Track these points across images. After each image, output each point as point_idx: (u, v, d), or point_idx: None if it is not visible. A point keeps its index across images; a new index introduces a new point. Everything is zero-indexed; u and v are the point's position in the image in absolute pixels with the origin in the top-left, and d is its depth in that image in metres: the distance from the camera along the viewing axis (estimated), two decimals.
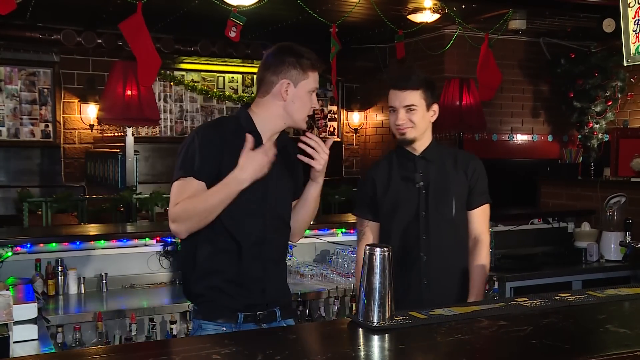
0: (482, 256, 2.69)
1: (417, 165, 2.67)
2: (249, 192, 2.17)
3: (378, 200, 2.71)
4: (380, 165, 2.78)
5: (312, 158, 2.24)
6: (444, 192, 2.65)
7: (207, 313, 2.24)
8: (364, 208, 2.77)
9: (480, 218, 2.72)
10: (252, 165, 2.09)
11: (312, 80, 2.26)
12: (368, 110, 9.11)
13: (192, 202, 2.12)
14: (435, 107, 2.67)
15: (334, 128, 9.41)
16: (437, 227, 2.63)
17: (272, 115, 2.26)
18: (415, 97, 2.60)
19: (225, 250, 2.21)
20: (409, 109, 2.60)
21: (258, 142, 2.22)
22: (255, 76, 8.61)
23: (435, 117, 2.68)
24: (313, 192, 2.34)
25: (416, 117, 2.61)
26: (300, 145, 2.26)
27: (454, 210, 2.64)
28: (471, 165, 2.70)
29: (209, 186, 2.14)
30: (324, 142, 2.27)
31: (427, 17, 6.17)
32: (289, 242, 2.47)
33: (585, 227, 4.83)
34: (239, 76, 8.79)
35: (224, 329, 2.21)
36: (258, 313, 2.25)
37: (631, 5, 2.84)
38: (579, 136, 7.20)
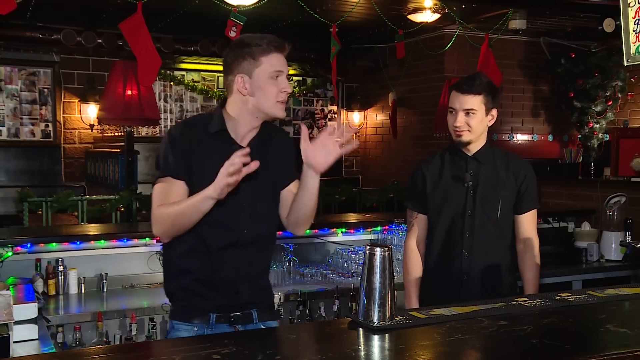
0: (535, 257, 2.78)
1: (469, 165, 2.74)
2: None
3: (427, 195, 2.78)
4: (433, 161, 2.84)
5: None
6: (492, 193, 2.71)
7: (180, 313, 2.22)
8: (415, 200, 2.85)
9: (529, 222, 2.79)
10: (220, 180, 1.96)
11: (267, 64, 2.14)
12: (368, 110, 9.10)
13: (170, 209, 2.09)
14: (494, 112, 2.73)
15: (334, 128, 9.40)
16: (481, 227, 2.69)
17: (241, 114, 2.19)
18: (476, 102, 2.65)
19: (196, 251, 2.17)
20: (468, 112, 2.65)
21: (228, 142, 2.17)
22: None
23: (493, 122, 2.75)
24: (315, 183, 2.20)
25: (474, 122, 2.66)
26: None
27: (499, 212, 2.70)
28: (522, 171, 2.77)
29: (188, 183, 2.12)
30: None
31: (427, 16, 6.17)
32: (294, 233, 2.35)
33: (586, 226, 4.83)
34: None
35: (196, 329, 2.18)
36: (231, 314, 2.20)
37: (631, 5, 2.85)
38: (579, 136, 7.20)
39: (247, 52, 2.14)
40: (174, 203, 2.10)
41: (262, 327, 2.25)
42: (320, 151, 2.16)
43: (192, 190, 2.11)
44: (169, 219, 2.10)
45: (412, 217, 2.87)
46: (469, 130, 2.67)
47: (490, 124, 2.75)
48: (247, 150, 1.99)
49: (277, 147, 2.30)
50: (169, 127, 8.54)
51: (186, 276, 2.19)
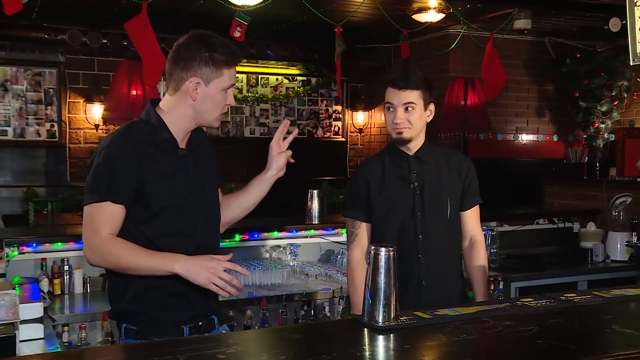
0: (481, 256, 2.72)
1: (411, 165, 2.66)
2: (177, 203, 2.09)
3: (372, 201, 2.67)
4: (373, 164, 2.73)
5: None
6: (439, 192, 2.65)
7: (148, 331, 2.09)
8: (356, 209, 2.72)
9: (474, 218, 2.74)
10: (201, 270, 1.95)
11: (226, 78, 2.08)
12: (372, 110, 9.10)
13: (121, 253, 1.98)
14: (432, 106, 2.67)
15: (339, 128, 9.40)
16: (433, 228, 2.62)
17: (181, 115, 2.10)
18: (414, 96, 2.59)
19: None
20: (407, 107, 2.59)
21: (173, 147, 2.12)
22: (258, 75, 8.74)
23: (431, 117, 2.68)
24: (271, 183, 2.29)
25: (414, 117, 2.60)
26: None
27: (449, 211, 2.64)
28: (464, 166, 2.71)
29: (126, 206, 2.01)
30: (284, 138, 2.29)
31: (431, 16, 6.16)
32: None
33: (591, 227, 4.82)
34: (244, 76, 8.78)
35: None
36: (200, 323, 2.17)
37: (638, 4, 2.83)
38: (585, 136, 7.17)
39: (211, 58, 2.05)
40: (126, 247, 1.98)
41: (223, 332, 2.26)
42: (281, 155, 2.28)
43: (145, 203, 2.04)
44: (115, 260, 2.00)
45: (355, 227, 2.72)
46: (409, 128, 2.60)
47: (428, 120, 2.68)
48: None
49: (208, 152, 2.28)
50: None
51: (157, 291, 2.08)
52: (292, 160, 2.32)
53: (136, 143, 2.05)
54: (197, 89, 2.06)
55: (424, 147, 2.69)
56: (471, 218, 2.73)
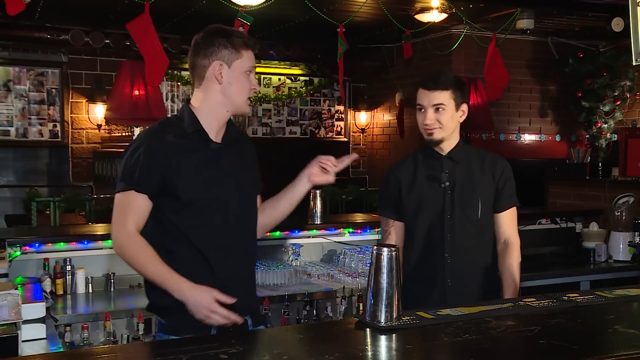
0: (514, 259, 2.66)
1: (444, 165, 2.64)
2: (208, 195, 2.11)
3: (402, 200, 2.67)
4: (406, 163, 2.73)
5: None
6: (470, 193, 2.62)
7: (177, 327, 2.10)
8: (388, 207, 2.73)
9: (509, 220, 2.69)
10: (193, 301, 2.02)
11: (246, 59, 2.14)
12: (375, 110, 9.10)
13: (137, 253, 2.07)
14: (465, 107, 2.64)
15: (341, 128, 9.41)
16: (462, 229, 2.60)
17: (212, 104, 2.15)
18: (444, 97, 2.57)
19: (193, 260, 2.11)
20: (438, 108, 2.57)
21: (205, 140, 2.15)
22: (261, 75, 8.73)
23: (464, 118, 2.65)
24: (303, 190, 2.28)
25: (444, 118, 2.58)
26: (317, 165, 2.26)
27: (479, 212, 2.61)
28: (499, 167, 2.67)
29: (151, 197, 2.08)
30: (339, 158, 2.26)
31: (434, 16, 6.16)
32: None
33: (594, 227, 4.81)
34: None
35: None
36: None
37: None
38: (587, 136, 7.17)
39: (229, 41, 2.11)
40: (143, 252, 2.06)
41: None
42: (324, 173, 2.26)
43: (174, 194, 2.08)
44: (130, 259, 2.09)
45: (388, 225, 2.73)
46: (440, 127, 2.58)
47: (461, 120, 2.65)
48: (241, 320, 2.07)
49: (247, 151, 2.30)
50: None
51: None
52: (332, 181, 2.30)
53: (166, 136, 2.12)
54: (221, 72, 2.12)
55: (458, 147, 2.66)
56: (506, 220, 2.67)
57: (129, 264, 2.13)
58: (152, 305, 2.21)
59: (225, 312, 2.03)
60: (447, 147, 2.65)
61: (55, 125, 8.04)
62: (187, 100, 2.23)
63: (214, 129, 2.18)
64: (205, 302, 2.01)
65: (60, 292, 3.48)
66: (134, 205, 2.08)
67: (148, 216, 2.12)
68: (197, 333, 2.05)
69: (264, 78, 8.85)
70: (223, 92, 2.14)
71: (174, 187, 2.08)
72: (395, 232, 2.71)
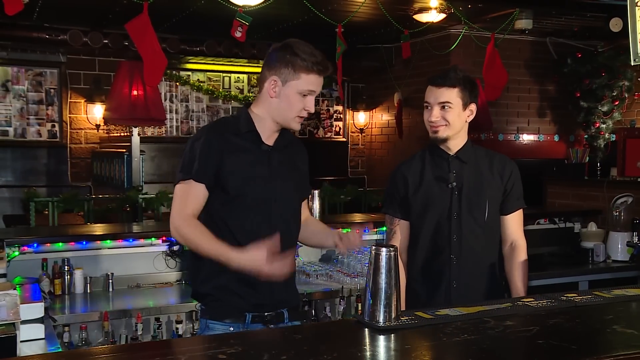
0: (521, 262, 2.65)
1: (451, 165, 2.61)
2: (254, 192, 2.21)
3: (409, 199, 2.64)
4: (413, 162, 2.69)
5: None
6: (478, 194, 2.59)
7: (214, 313, 2.24)
8: (394, 206, 2.70)
9: (516, 223, 2.68)
10: (250, 261, 2.10)
11: (304, 82, 2.20)
12: (374, 110, 9.10)
13: (197, 236, 2.17)
14: (473, 106, 2.59)
15: (340, 128, 9.41)
16: (468, 230, 2.57)
17: (263, 112, 2.27)
18: (451, 95, 2.53)
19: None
20: (444, 106, 2.54)
21: (257, 141, 2.26)
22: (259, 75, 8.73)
23: (472, 117, 2.61)
24: (329, 245, 2.49)
25: (450, 116, 2.54)
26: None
27: (486, 214, 2.58)
28: (507, 169, 2.65)
29: (208, 187, 2.19)
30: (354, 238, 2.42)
31: (433, 16, 6.16)
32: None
33: (592, 227, 4.82)
34: (245, 76, 8.79)
35: (232, 329, 2.21)
36: (266, 314, 2.25)
37: (639, 4, 2.83)
38: (586, 136, 7.17)
39: (291, 61, 2.20)
40: (200, 231, 2.17)
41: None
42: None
43: (223, 187, 2.19)
44: (187, 239, 2.20)
45: (393, 224, 2.70)
46: (445, 125, 2.54)
47: (469, 120, 2.61)
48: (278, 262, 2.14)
49: (298, 156, 2.41)
50: (174, 127, 8.59)
51: (224, 275, 2.20)
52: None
53: (222, 132, 2.25)
54: (275, 88, 2.22)
55: (466, 147, 2.63)
56: (513, 223, 2.66)
57: (185, 243, 2.24)
58: (195, 292, 2.33)
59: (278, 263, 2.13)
60: (454, 146, 2.62)
61: (53, 126, 8.03)
62: (247, 104, 2.35)
63: (266, 133, 2.29)
64: (260, 256, 2.09)
65: (59, 292, 3.48)
66: (193, 194, 2.20)
67: (204, 205, 2.22)
68: (232, 318, 2.21)
69: None
70: (272, 105, 2.25)
71: (225, 180, 2.20)
72: (400, 231, 2.69)
